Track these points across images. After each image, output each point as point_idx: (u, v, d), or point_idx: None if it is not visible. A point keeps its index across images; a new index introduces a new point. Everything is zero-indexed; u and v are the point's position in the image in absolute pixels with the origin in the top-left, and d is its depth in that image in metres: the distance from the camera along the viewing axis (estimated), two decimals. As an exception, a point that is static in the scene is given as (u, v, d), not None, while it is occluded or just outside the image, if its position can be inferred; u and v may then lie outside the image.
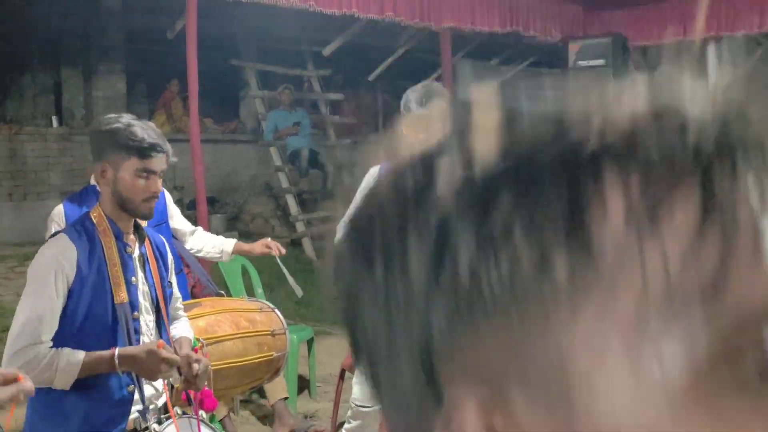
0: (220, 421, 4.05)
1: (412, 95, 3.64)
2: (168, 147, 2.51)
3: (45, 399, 2.37)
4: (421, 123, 0.45)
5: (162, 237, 2.80)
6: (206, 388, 2.93)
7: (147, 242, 2.61)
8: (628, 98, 0.37)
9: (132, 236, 2.55)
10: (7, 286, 6.68)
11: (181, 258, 4.00)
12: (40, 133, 9.94)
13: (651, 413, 0.32)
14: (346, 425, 3.89)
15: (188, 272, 4.14)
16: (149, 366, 2.36)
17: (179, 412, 2.55)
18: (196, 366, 2.55)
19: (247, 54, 11.20)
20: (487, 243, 0.35)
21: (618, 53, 8.98)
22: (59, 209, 3.51)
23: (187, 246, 4.04)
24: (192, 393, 2.83)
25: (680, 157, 0.33)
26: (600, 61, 8.97)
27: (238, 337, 3.41)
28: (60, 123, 10.42)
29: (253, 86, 11.16)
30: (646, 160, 0.34)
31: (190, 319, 3.23)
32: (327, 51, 9.86)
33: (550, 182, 0.34)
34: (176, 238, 4.01)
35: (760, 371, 0.31)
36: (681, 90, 0.37)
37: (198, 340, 3.14)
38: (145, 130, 2.44)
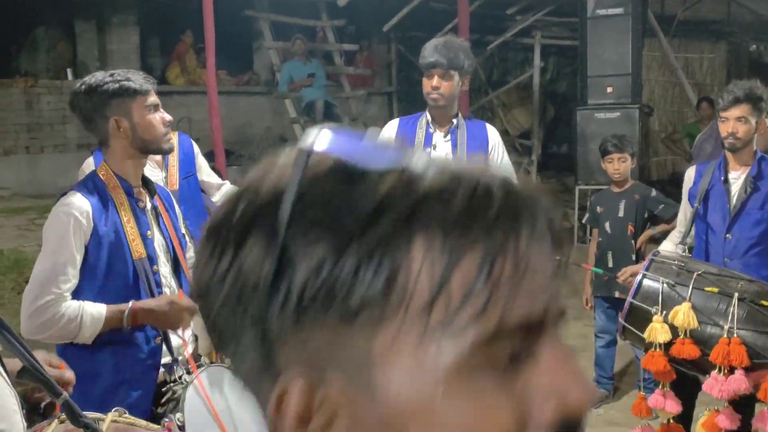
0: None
1: (428, 45, 3.63)
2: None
3: (76, 356, 2.39)
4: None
5: (165, 190, 2.82)
6: None
7: (156, 195, 2.63)
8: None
9: (141, 190, 2.57)
10: (28, 237, 6.73)
11: (208, 212, 4.03)
12: (56, 86, 9.93)
13: (428, 387, 0.47)
14: None
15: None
16: (172, 317, 2.39)
17: (206, 361, 2.59)
18: None
19: (261, 4, 11.08)
20: (316, 261, 0.47)
21: (637, 1, 8.83)
22: (90, 161, 3.54)
23: (214, 199, 4.07)
24: None
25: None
26: (619, 10, 8.83)
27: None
28: (75, 76, 10.41)
29: (267, 37, 11.07)
30: (451, 221, 0.48)
31: None
32: (341, 1, 9.76)
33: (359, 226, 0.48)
34: (203, 191, 4.04)
35: (510, 356, 0.48)
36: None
37: None
38: (129, 73, 2.49)
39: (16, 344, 1.49)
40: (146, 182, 2.60)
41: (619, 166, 4.64)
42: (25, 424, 1.53)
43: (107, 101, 2.44)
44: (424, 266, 0.47)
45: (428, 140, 3.72)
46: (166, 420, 2.14)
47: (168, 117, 2.56)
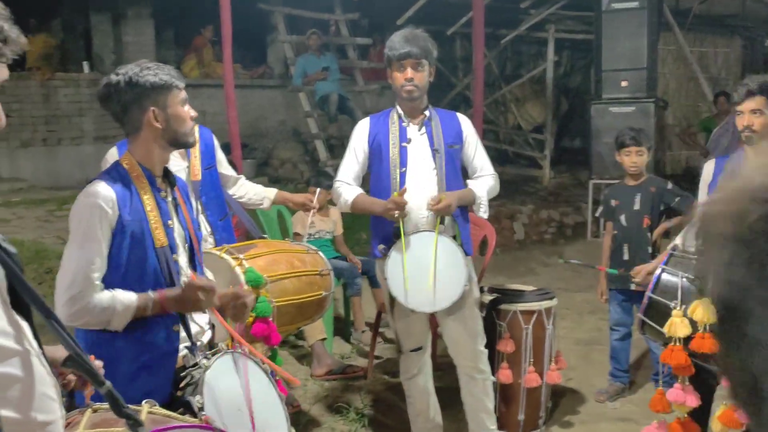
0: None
1: (396, 37, 3.63)
2: None
3: (96, 343, 2.46)
4: None
5: (183, 181, 2.87)
6: (272, 324, 3.06)
7: (176, 186, 2.70)
8: None
9: (162, 181, 2.64)
10: (47, 228, 6.79)
11: (227, 204, 4.08)
12: (72, 79, 10.00)
13: None
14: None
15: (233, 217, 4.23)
16: (189, 298, 2.44)
17: (224, 347, 2.63)
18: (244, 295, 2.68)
19: (275, -2, 11.11)
20: None
21: (653, -5, 8.82)
22: (114, 152, 3.60)
23: (230, 191, 4.11)
24: (258, 328, 2.99)
25: None
26: (634, 3, 8.81)
27: (295, 276, 3.49)
28: (91, 68, 10.47)
29: (282, 31, 11.09)
30: None
31: (248, 259, 3.31)
32: (356, -6, 9.76)
33: None
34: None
35: None
36: None
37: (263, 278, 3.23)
38: (164, 67, 2.59)
39: (64, 334, 1.52)
40: (167, 173, 2.67)
41: (637, 159, 4.64)
42: (64, 413, 1.56)
43: (148, 92, 2.52)
44: None
45: (403, 135, 3.70)
46: (203, 414, 2.18)
47: (194, 112, 2.66)
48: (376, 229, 3.79)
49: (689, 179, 7.43)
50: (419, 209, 3.64)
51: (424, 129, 3.70)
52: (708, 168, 3.66)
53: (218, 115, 8.75)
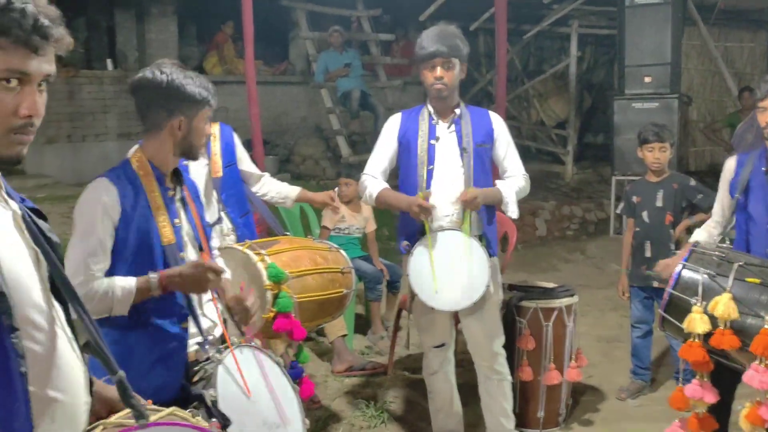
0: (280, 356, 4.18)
1: (426, 35, 3.62)
2: None
3: (107, 337, 2.48)
4: None
5: (192, 181, 2.90)
6: (294, 319, 3.09)
7: (184, 185, 2.72)
8: None
9: (171, 180, 2.66)
10: (69, 224, 6.85)
11: (249, 201, 4.11)
12: (96, 76, 10.08)
13: None
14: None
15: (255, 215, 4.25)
16: (197, 278, 2.46)
17: (236, 341, 2.65)
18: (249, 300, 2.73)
19: (297, -6, 11.13)
20: None
21: (677, -10, 8.74)
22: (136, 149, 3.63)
23: (253, 189, 4.14)
24: (280, 323, 3.04)
25: None
26: (659, -1, 8.74)
27: (317, 272, 3.51)
28: (114, 66, 10.55)
29: (303, 27, 11.11)
30: None
31: (271, 255, 3.33)
32: (377, -9, 9.74)
33: None
34: (243, 181, 4.11)
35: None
36: None
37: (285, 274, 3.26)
38: (201, 79, 2.62)
39: (86, 319, 1.57)
40: (176, 173, 2.69)
41: (660, 155, 4.61)
42: (89, 400, 1.59)
43: (182, 101, 2.55)
44: None
45: (432, 132, 3.69)
46: (213, 420, 2.21)
47: (210, 130, 2.72)
48: (403, 225, 3.80)
49: (713, 175, 7.36)
50: (444, 208, 3.63)
51: (453, 127, 3.69)
52: (729, 165, 3.62)
53: (241, 112, 8.77)
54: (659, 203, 4.63)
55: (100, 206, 2.45)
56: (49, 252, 1.52)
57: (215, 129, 3.97)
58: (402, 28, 12.86)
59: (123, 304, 2.45)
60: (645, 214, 4.67)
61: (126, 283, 2.45)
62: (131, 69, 10.27)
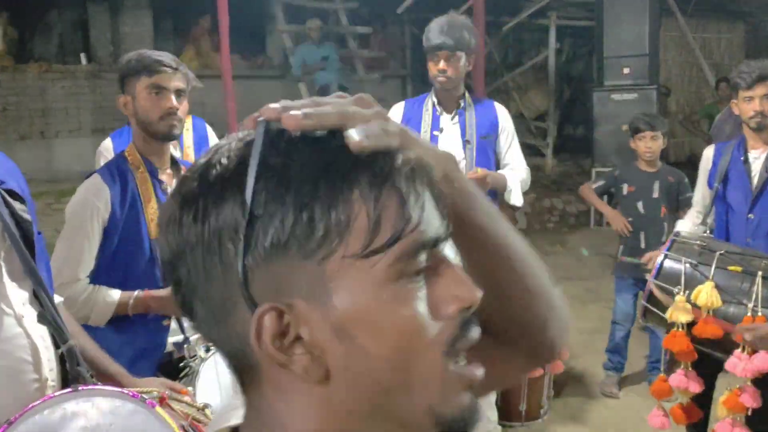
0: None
1: (433, 27, 3.56)
2: (182, 67, 2.54)
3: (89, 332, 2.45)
4: None
5: None
6: None
7: None
8: None
9: (168, 172, 2.60)
10: (45, 222, 6.71)
11: None
12: (70, 71, 9.93)
13: (366, 293, 0.63)
14: None
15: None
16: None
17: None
18: None
19: (274, -13, 11.03)
20: (281, 214, 0.62)
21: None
22: (107, 143, 3.56)
23: None
24: None
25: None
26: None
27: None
28: (88, 60, 10.40)
29: (280, 20, 11.02)
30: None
31: None
32: (355, -17, 9.68)
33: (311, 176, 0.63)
34: None
35: (419, 270, 0.66)
36: None
37: None
38: (155, 53, 2.51)
39: (42, 293, 1.69)
40: (174, 164, 2.63)
41: (652, 144, 4.57)
42: (48, 377, 1.70)
43: (123, 79, 2.52)
44: (361, 212, 0.63)
45: (435, 123, 3.65)
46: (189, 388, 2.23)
47: (170, 104, 2.48)
48: None
49: (693, 166, 7.37)
50: None
51: (457, 118, 3.65)
52: (707, 154, 3.60)
53: (218, 106, 8.68)
54: (655, 194, 4.60)
55: (90, 206, 2.43)
56: (10, 228, 1.66)
57: (188, 122, 3.89)
58: (379, 22, 12.78)
59: (101, 317, 2.43)
60: (640, 205, 4.62)
61: (108, 296, 2.42)
62: (105, 63, 10.13)
